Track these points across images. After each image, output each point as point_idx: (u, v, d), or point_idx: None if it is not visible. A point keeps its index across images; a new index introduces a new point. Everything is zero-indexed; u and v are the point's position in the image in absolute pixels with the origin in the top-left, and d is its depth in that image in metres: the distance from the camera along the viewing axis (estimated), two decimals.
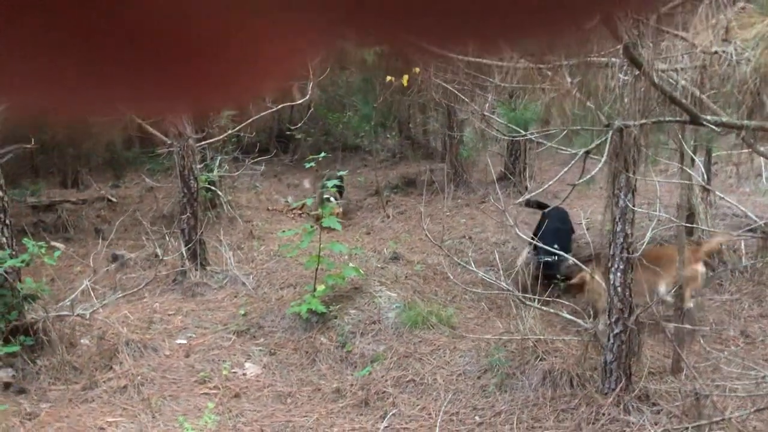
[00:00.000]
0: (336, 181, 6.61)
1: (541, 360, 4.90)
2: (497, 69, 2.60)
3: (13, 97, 0.27)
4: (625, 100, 2.68)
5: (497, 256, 6.28)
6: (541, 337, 5.01)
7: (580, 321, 5.01)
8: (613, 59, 2.34)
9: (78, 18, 0.23)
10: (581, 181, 2.65)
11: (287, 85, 11.27)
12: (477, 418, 4.68)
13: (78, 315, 5.53)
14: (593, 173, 2.68)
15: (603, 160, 2.40)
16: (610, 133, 2.32)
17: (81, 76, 0.26)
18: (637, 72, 2.37)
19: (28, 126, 8.50)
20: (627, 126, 2.36)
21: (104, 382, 5.23)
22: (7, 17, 0.23)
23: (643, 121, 2.34)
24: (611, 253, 4.35)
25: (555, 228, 6.33)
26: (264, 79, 0.27)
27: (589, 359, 4.74)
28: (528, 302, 5.02)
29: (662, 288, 5.35)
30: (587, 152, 2.34)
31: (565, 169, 2.44)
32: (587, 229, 6.26)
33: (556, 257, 5.86)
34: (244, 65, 0.26)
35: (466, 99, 4.89)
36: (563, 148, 3.29)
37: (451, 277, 6.26)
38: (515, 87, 2.82)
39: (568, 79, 2.29)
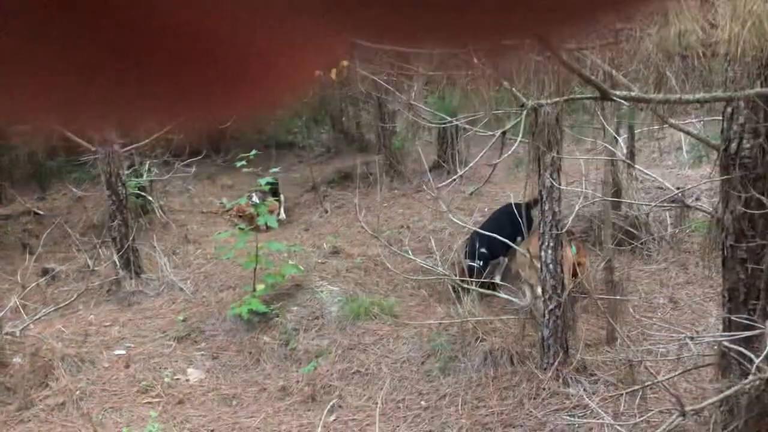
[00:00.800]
0: (269, 179, 6.54)
1: (481, 341, 5.00)
2: (417, 56, 2.62)
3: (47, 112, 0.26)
4: (531, 79, 2.74)
5: (434, 243, 6.35)
6: (480, 318, 5.10)
7: (516, 299, 5.13)
8: (526, 41, 2.40)
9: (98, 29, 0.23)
10: (500, 160, 2.71)
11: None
12: (422, 402, 4.74)
13: (7, 333, 5.33)
14: (510, 152, 2.74)
15: (519, 139, 2.46)
16: (524, 113, 2.39)
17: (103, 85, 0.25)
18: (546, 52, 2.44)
19: None
20: (540, 105, 2.43)
21: (40, 400, 5.06)
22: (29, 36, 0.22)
23: (556, 99, 2.41)
24: (541, 231, 4.46)
25: (491, 229, 6.08)
26: (283, 84, 0.26)
27: (527, 336, 4.86)
28: (465, 285, 5.10)
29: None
30: (503, 133, 2.39)
31: (484, 151, 2.49)
32: None
33: (477, 264, 5.82)
34: (265, 68, 0.25)
35: (393, 89, 4.92)
36: (483, 131, 3.36)
37: (391, 267, 6.30)
38: (436, 75, 2.85)
39: (481, 64, 2.34)
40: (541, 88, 2.53)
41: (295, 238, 8.10)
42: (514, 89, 2.35)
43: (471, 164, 2.55)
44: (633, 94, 2.26)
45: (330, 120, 12.79)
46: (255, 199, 8.39)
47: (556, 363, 4.51)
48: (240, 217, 8.15)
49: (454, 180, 4.30)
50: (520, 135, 2.48)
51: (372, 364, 5.26)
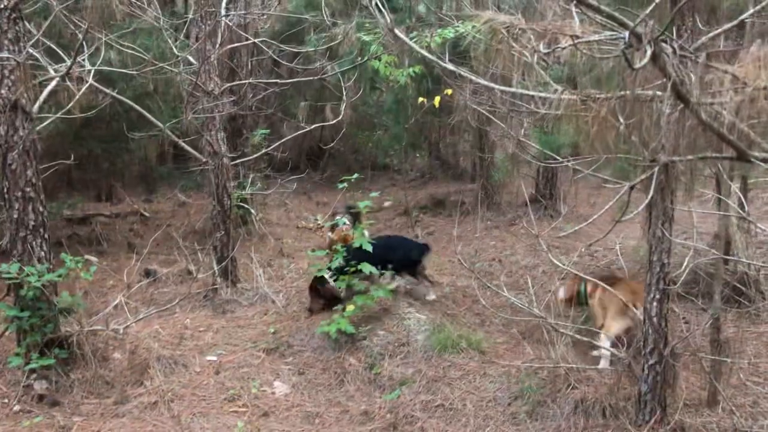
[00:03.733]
0: (368, 202, 6.61)
1: (573, 388, 4.84)
2: (540, 100, 2.60)
3: None
4: (664, 133, 2.65)
5: (529, 280, 6.23)
6: (574, 365, 4.94)
7: (614, 350, 4.93)
8: (659, 93, 2.33)
9: None
10: (627, 218, 2.62)
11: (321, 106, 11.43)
12: None
13: (112, 330, 5.59)
14: (639, 209, 2.65)
15: (650, 195, 2.38)
16: (657, 168, 2.31)
17: None
18: (681, 106, 2.36)
19: (68, 141, 8.68)
20: (673, 161, 2.34)
21: (135, 397, 5.27)
22: None
23: (690, 156, 2.32)
24: (647, 282, 4.29)
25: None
26: None
27: (622, 389, 4.66)
28: (561, 329, 4.96)
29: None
30: (632, 187, 2.33)
31: (610, 204, 2.42)
32: (621, 254, 6.18)
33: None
34: None
35: (500, 123, 4.88)
36: (609, 179, 3.28)
37: (482, 301, 6.21)
38: (555, 114, 2.81)
39: (618, 117, 2.29)
40: (669, 142, 2.44)
41: None
42: (642, 144, 2.28)
43: (594, 217, 2.46)
44: None
45: (427, 146, 12.85)
46: (346, 221, 8.53)
47: (652, 421, 4.30)
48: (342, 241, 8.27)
49: (573, 231, 4.18)
50: (651, 191, 2.39)
51: (456, 400, 5.18)
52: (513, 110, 4.76)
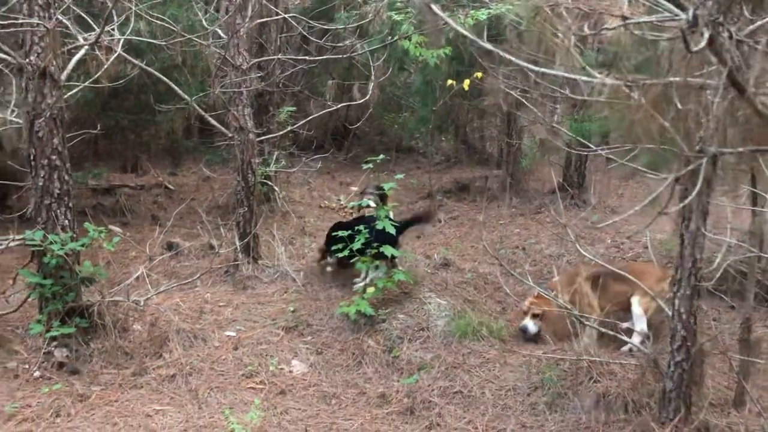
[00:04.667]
0: (393, 184, 6.53)
1: (595, 382, 4.75)
2: (584, 84, 2.50)
3: None
4: (713, 123, 2.53)
5: (554, 270, 6.12)
6: (597, 358, 4.85)
7: (639, 345, 4.83)
8: (708, 81, 2.21)
9: None
10: (674, 210, 2.52)
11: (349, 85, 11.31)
12: None
13: (133, 301, 5.59)
14: (686, 202, 2.55)
15: (696, 188, 2.27)
16: (705, 160, 2.20)
17: None
18: (731, 95, 2.24)
19: (95, 111, 8.69)
20: (722, 153, 2.23)
21: (154, 369, 5.29)
22: None
23: (741, 149, 2.21)
24: (678, 277, 4.17)
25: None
26: None
27: (646, 385, 4.56)
28: (585, 321, 4.86)
29: (635, 301, 5.59)
30: (677, 179, 2.22)
31: (652, 196, 2.32)
32: (649, 247, 6.04)
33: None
34: None
35: (533, 108, 4.76)
36: (647, 171, 3.16)
37: (506, 289, 6.12)
38: (597, 100, 2.69)
39: (664, 105, 2.18)
40: (718, 132, 2.33)
41: (407, 245, 8.07)
42: (687, 134, 2.17)
43: (636, 208, 2.35)
44: None
45: (454, 129, 12.70)
46: (371, 203, 8.46)
47: (675, 419, 4.20)
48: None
49: (608, 223, 4.07)
50: (698, 184, 2.28)
51: (475, 387, 5.12)
52: (548, 95, 4.63)
